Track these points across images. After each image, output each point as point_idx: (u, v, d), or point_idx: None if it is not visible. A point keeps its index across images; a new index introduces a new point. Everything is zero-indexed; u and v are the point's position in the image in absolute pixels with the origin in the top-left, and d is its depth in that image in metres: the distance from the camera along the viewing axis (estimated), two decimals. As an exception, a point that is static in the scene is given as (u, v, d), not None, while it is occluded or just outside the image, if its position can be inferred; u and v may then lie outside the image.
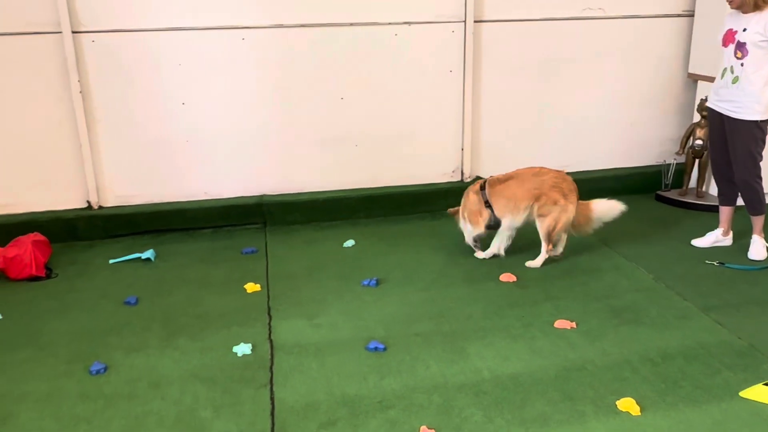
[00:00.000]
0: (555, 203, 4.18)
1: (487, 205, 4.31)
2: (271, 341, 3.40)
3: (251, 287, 4.02)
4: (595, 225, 4.33)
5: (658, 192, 5.55)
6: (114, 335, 3.52)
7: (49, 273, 4.29)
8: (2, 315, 3.75)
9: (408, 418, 2.76)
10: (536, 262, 4.25)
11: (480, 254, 4.43)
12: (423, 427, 2.69)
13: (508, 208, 4.25)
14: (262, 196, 5.13)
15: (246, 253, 4.59)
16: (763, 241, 4.32)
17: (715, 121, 4.33)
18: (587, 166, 5.66)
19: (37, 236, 4.40)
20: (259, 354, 3.29)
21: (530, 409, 2.81)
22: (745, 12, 4.03)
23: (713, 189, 5.40)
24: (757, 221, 4.33)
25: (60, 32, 4.58)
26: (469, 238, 4.46)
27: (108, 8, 4.63)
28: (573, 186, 4.29)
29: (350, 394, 2.94)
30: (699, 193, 5.42)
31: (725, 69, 4.18)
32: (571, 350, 3.25)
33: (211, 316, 3.70)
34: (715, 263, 4.21)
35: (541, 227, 4.22)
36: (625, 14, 5.38)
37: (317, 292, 3.96)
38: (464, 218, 4.44)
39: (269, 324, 3.59)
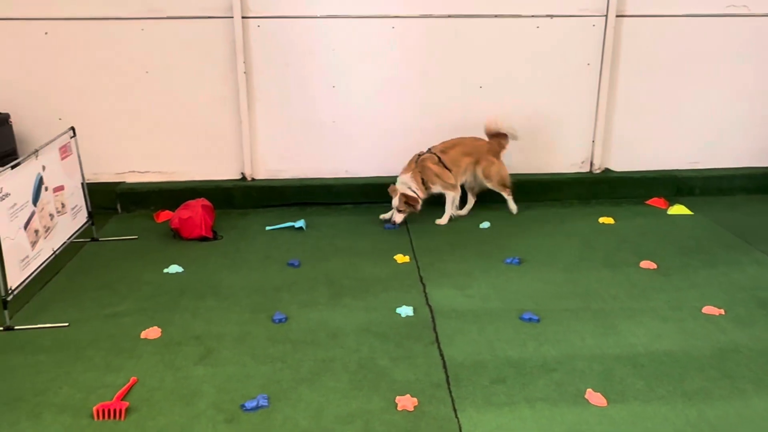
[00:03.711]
0: (492, 164, 5.01)
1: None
2: (429, 306, 3.69)
3: (401, 258, 4.33)
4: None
5: (794, 193, 5.50)
6: (285, 292, 3.89)
7: (215, 235, 4.74)
8: (183, 268, 4.20)
9: (573, 381, 2.98)
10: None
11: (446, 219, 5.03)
12: (589, 390, 2.90)
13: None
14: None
15: (388, 227, 4.91)
16: None
17: None
18: (719, 163, 5.67)
19: (204, 201, 4.86)
20: (420, 316, 3.58)
21: (690, 383, 2.97)
22: None
23: None
24: None
25: (231, 17, 5.02)
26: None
27: (274, -4, 5.05)
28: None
29: (513, 357, 3.18)
30: (838, 196, 5.33)
31: None
32: (722, 334, 3.37)
33: (369, 280, 4.02)
34: None
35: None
36: (770, 12, 5.35)
37: (463, 266, 4.22)
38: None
39: (424, 291, 3.87)
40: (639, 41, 5.33)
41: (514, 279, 4.04)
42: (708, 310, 3.61)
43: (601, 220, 5.02)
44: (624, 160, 5.61)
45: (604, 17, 5.23)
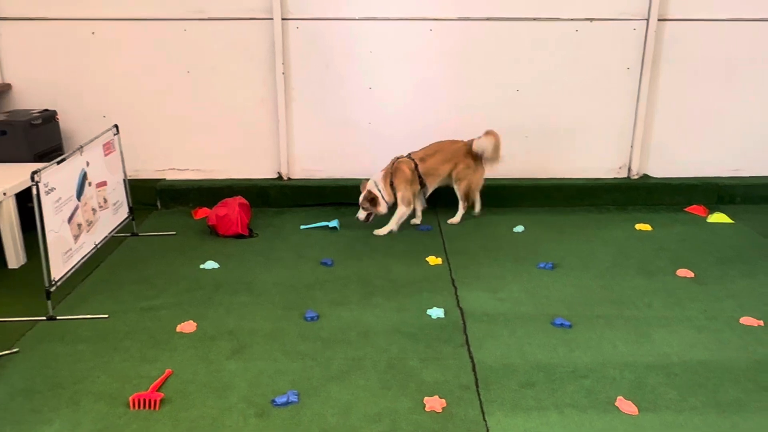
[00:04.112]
0: (468, 167, 4.87)
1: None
2: (460, 308, 3.69)
3: (433, 260, 4.34)
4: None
5: (841, 203, 5.34)
6: (317, 290, 3.94)
7: (251, 233, 4.82)
8: (219, 264, 4.29)
9: (603, 388, 2.95)
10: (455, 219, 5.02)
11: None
12: (620, 398, 2.87)
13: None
14: (434, 179, 5.44)
15: (422, 229, 4.93)
16: None
17: None
18: (762, 171, 5.54)
19: (241, 200, 4.94)
20: (451, 318, 3.58)
21: (724, 394, 2.92)
22: None
23: None
24: None
25: (271, 19, 5.10)
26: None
27: (314, -2, 5.12)
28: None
29: (544, 362, 3.17)
30: None
31: None
32: (760, 346, 3.30)
33: (401, 281, 4.04)
34: None
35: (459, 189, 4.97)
36: (820, 17, 5.20)
37: (495, 269, 4.21)
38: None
39: (456, 294, 3.88)
40: (681, 46, 5.24)
41: (546, 284, 4.02)
42: (746, 320, 3.53)
43: (638, 226, 4.95)
44: (663, 166, 5.52)
45: (646, 21, 5.16)
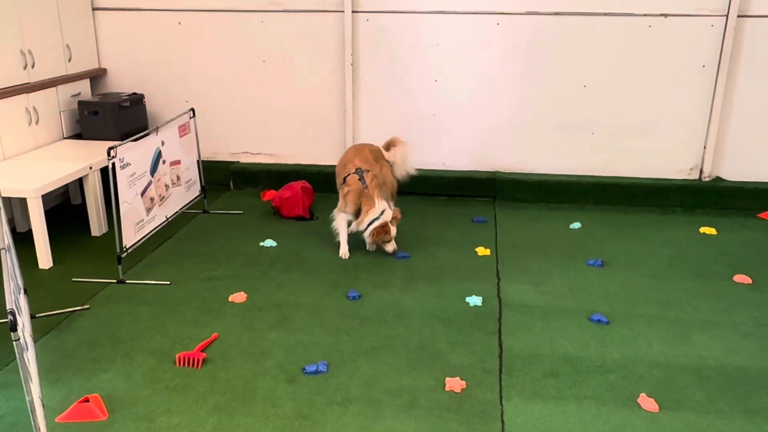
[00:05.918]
0: (388, 170, 4.64)
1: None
2: (499, 298, 3.75)
3: (482, 251, 4.40)
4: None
5: None
6: (364, 272, 4.11)
7: (312, 215, 5.04)
8: (277, 243, 4.54)
9: (627, 384, 2.95)
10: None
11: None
12: (643, 394, 2.86)
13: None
14: (495, 172, 5.48)
15: (476, 221, 4.99)
16: None
17: None
18: None
19: (305, 184, 5.18)
20: (488, 307, 3.65)
21: (756, 400, 2.84)
22: None
23: None
24: None
25: (342, 11, 5.30)
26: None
27: (384, -9, 5.27)
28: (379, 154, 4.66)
29: (572, 354, 3.19)
30: None
31: None
32: (807, 357, 3.17)
33: (445, 269, 4.14)
34: None
35: None
36: None
37: (543, 264, 4.23)
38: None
39: (498, 284, 3.94)
40: (762, 43, 5.00)
41: (592, 280, 3.99)
42: (798, 330, 3.40)
43: (703, 230, 4.79)
44: (738, 169, 5.29)
45: (725, 17, 4.96)
